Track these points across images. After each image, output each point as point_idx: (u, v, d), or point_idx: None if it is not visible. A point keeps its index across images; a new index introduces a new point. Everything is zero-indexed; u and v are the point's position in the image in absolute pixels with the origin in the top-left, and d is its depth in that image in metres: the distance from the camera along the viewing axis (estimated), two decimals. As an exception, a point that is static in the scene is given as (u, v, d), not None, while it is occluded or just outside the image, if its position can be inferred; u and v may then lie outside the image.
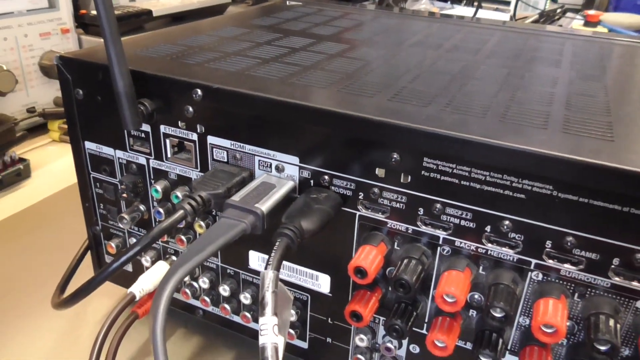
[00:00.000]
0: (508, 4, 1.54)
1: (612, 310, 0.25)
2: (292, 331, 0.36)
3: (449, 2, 1.50)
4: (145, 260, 0.40)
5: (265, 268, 0.26)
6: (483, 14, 1.40)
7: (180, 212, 0.30)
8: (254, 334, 0.40)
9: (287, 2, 0.63)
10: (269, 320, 0.24)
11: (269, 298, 0.24)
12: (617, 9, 1.66)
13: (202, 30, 0.48)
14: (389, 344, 0.33)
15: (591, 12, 1.36)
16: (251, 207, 0.29)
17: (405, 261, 0.29)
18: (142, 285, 0.37)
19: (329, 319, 0.35)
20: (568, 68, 0.41)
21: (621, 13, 1.50)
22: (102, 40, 0.31)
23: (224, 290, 0.38)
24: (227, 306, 0.38)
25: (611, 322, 0.25)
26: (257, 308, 0.38)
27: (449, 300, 0.27)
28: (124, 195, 0.39)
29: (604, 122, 0.30)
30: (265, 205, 0.30)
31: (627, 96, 0.36)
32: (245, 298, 0.37)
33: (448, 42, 0.48)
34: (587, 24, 1.32)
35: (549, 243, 0.27)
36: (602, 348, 0.25)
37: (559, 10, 1.55)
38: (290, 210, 0.30)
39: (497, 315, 0.26)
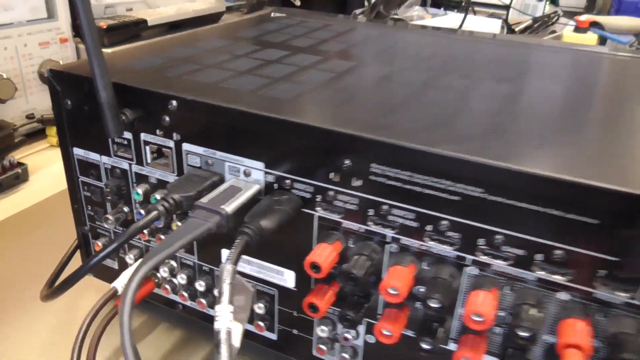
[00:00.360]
0: (504, 8, 1.55)
1: (535, 301, 0.28)
2: (261, 323, 0.39)
3: (442, 9, 1.53)
4: (129, 258, 0.43)
5: (225, 262, 0.29)
6: (476, 20, 1.42)
7: (154, 212, 0.34)
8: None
9: (272, 14, 0.66)
10: (224, 308, 0.27)
11: (225, 289, 0.27)
12: (619, 11, 1.67)
13: (189, 42, 0.51)
14: (346, 334, 0.36)
15: (582, 18, 1.38)
16: (217, 208, 0.32)
17: (356, 257, 0.32)
18: (124, 281, 0.40)
19: (295, 312, 0.38)
20: (532, 78, 0.44)
21: (621, 16, 1.51)
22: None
23: (200, 285, 0.41)
24: (203, 300, 0.41)
25: (532, 312, 0.28)
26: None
27: (393, 292, 0.30)
28: (109, 197, 0.42)
29: (543, 130, 0.33)
30: (230, 207, 0.33)
31: (576, 106, 0.38)
32: (220, 293, 0.40)
33: (422, 54, 0.51)
34: (578, 29, 1.35)
35: (481, 241, 0.29)
36: (524, 334, 0.27)
37: (552, 15, 1.57)
38: (253, 210, 0.33)
39: (434, 305, 0.29)
